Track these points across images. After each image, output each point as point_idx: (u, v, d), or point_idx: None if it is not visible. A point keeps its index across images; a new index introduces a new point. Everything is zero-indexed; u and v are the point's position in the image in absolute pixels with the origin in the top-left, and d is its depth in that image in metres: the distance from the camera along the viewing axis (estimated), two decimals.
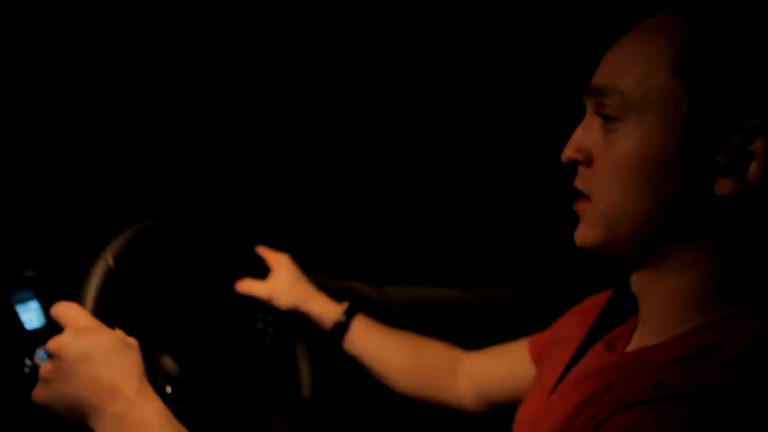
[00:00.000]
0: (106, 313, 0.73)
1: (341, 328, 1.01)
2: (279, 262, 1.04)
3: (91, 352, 0.65)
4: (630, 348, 0.65)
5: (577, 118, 0.64)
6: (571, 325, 0.83)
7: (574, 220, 0.64)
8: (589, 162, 0.61)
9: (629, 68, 0.58)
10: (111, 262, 0.75)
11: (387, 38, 1.06)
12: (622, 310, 0.72)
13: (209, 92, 1.10)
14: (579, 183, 0.63)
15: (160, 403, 0.65)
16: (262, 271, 1.03)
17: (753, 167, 0.55)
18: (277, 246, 1.06)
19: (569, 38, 1.00)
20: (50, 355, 0.66)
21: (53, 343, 0.66)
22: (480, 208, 1.16)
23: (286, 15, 1.02)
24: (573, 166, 0.63)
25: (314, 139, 1.18)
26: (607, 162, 0.59)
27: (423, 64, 1.09)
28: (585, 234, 0.62)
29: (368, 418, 1.16)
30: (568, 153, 0.63)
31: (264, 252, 1.05)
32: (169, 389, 0.78)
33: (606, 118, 0.60)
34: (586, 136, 0.62)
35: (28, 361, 0.88)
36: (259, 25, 1.03)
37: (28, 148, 1.01)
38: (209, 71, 1.08)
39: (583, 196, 0.63)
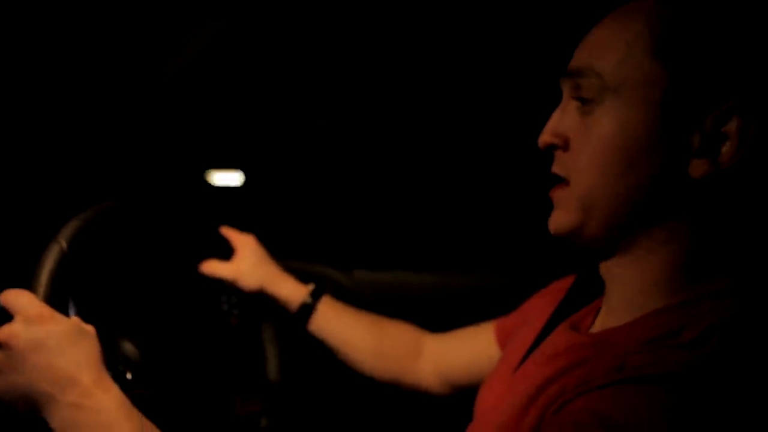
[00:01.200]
0: (61, 299, 0.71)
1: (307, 309, 1.00)
2: (244, 243, 1.02)
3: (43, 340, 0.63)
4: (594, 329, 0.66)
5: (553, 103, 0.63)
6: (537, 307, 0.83)
7: (547, 208, 0.64)
8: (566, 146, 0.61)
9: (607, 50, 0.58)
10: (65, 245, 0.72)
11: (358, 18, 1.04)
12: (587, 292, 0.73)
13: (177, 69, 1.07)
14: (557, 168, 0.62)
15: (118, 392, 0.64)
16: (227, 252, 1.01)
17: (726, 148, 0.56)
18: (244, 229, 1.04)
19: (545, 24, 0.99)
20: (0, 345, 0.64)
21: (2, 332, 0.63)
22: (452, 194, 1.16)
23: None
24: (549, 151, 0.63)
25: (286, 122, 1.16)
26: (584, 144, 0.59)
27: (401, 48, 1.07)
28: (560, 219, 0.62)
29: (335, 399, 1.16)
30: (545, 137, 0.62)
31: (229, 233, 1.03)
32: (129, 375, 0.76)
33: (583, 101, 0.59)
34: (562, 119, 0.61)
35: None
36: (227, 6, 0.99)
37: None
38: (177, 51, 1.04)
39: (560, 183, 0.62)
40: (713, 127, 0.55)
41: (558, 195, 0.62)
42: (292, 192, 1.21)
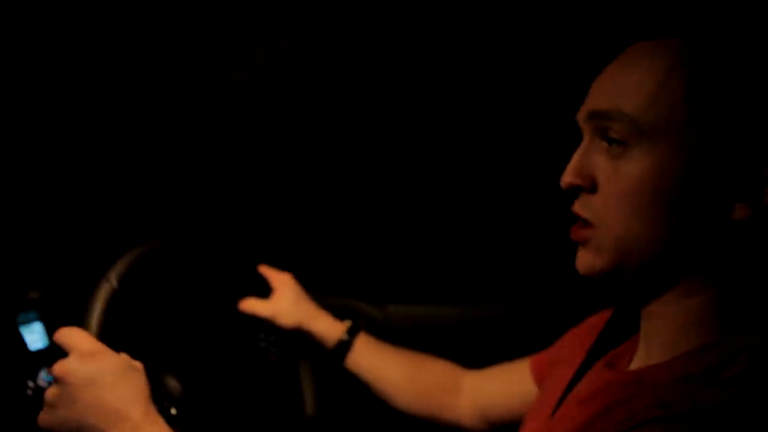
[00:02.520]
0: (111, 335, 0.73)
1: (344, 346, 1.02)
2: (282, 282, 1.04)
3: (96, 376, 0.65)
4: (632, 367, 0.65)
5: (574, 140, 0.63)
6: (572, 345, 0.83)
7: (573, 241, 0.63)
8: (592, 188, 0.60)
9: (636, 92, 0.57)
10: (115, 283, 0.76)
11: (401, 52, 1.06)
12: (623, 330, 0.72)
13: (218, 113, 1.10)
14: (580, 209, 0.61)
15: (165, 426, 0.66)
16: (265, 290, 1.03)
17: None
18: (281, 266, 1.06)
19: (552, 58, 1.01)
20: (55, 380, 0.66)
21: (58, 368, 0.66)
22: (480, 227, 1.17)
23: (303, 24, 1.01)
24: (573, 191, 0.62)
25: (319, 158, 1.19)
26: (616, 188, 0.58)
27: (439, 82, 1.09)
28: (592, 262, 0.61)
29: None
30: (569, 179, 0.61)
31: (267, 271, 1.05)
32: (174, 411, 0.79)
33: (611, 142, 0.59)
34: (588, 160, 0.61)
35: (30, 383, 0.88)
36: (275, 35, 1.02)
37: (33, 165, 1.01)
38: (223, 83, 1.07)
39: (580, 221, 0.61)
40: (753, 170, 0.55)
41: (585, 235, 0.61)
42: (326, 227, 1.23)
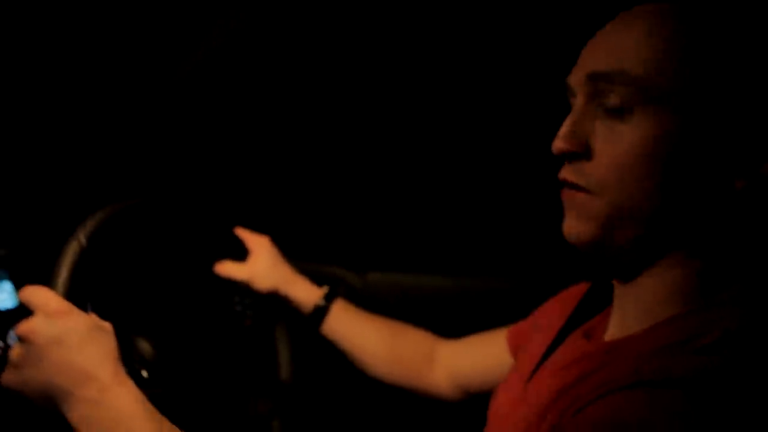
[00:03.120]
0: (79, 295, 0.72)
1: (320, 312, 1.01)
2: (259, 245, 1.03)
3: (63, 336, 0.64)
4: (608, 337, 0.65)
5: (560, 106, 0.61)
6: (550, 314, 0.83)
7: (558, 212, 0.62)
8: (587, 153, 0.57)
9: (641, 54, 0.55)
10: (84, 242, 0.74)
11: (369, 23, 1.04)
12: (601, 300, 0.72)
13: (192, 71, 1.08)
14: (572, 175, 0.59)
15: (135, 388, 0.65)
16: (241, 253, 1.02)
17: None
18: (259, 230, 1.05)
19: (544, 25, 0.99)
20: (20, 339, 0.65)
21: (23, 327, 0.64)
22: (466, 197, 1.16)
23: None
24: (564, 157, 0.59)
25: (299, 123, 1.17)
26: (614, 154, 0.56)
27: (407, 53, 1.07)
28: (580, 229, 0.59)
29: (346, 401, 1.16)
30: (562, 144, 0.58)
31: (244, 234, 1.03)
32: (145, 373, 0.77)
33: (612, 106, 0.56)
34: (582, 125, 0.58)
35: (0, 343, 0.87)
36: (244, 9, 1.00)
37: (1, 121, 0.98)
38: (192, 50, 1.05)
39: (571, 187, 0.59)
40: (758, 141, 0.54)
41: (575, 200, 0.59)
42: (305, 193, 1.22)
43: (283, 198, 1.22)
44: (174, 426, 0.64)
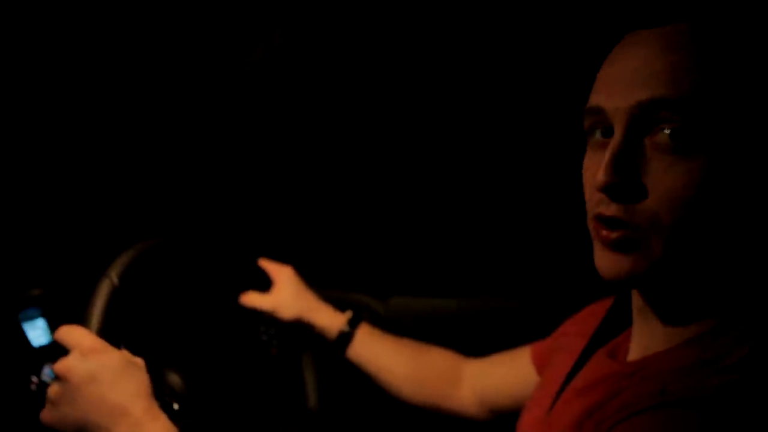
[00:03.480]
0: (111, 332, 0.74)
1: (345, 337, 1.02)
2: (282, 274, 1.05)
3: (97, 373, 0.66)
4: (632, 356, 0.65)
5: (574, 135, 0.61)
6: (573, 332, 0.83)
7: (579, 233, 0.60)
8: (639, 189, 0.53)
9: (694, 80, 0.51)
10: (116, 280, 0.76)
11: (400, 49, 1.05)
12: (624, 318, 0.72)
13: (215, 106, 1.10)
14: (621, 213, 0.54)
15: (167, 422, 0.66)
16: (265, 284, 1.03)
17: None
18: (281, 259, 1.07)
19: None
20: (57, 378, 0.67)
21: (60, 366, 0.67)
22: (482, 218, 1.16)
23: (298, 21, 1.00)
24: (610, 191, 0.54)
25: (319, 151, 1.18)
26: (670, 188, 0.52)
27: (440, 78, 1.08)
28: (632, 268, 0.55)
29: (374, 427, 1.16)
30: (612, 179, 0.53)
31: (267, 265, 1.05)
32: (176, 406, 0.79)
33: (665, 138, 0.52)
34: (628, 157, 0.53)
35: (34, 378, 0.89)
36: (273, 31, 1.01)
37: (34, 162, 1.01)
38: (219, 80, 1.07)
39: (615, 223, 0.55)
40: None
41: (624, 240, 0.55)
42: (327, 220, 1.23)
43: (303, 225, 1.24)
44: None
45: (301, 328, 1.03)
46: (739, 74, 0.52)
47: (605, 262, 0.56)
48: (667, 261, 0.54)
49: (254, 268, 1.03)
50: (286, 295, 1.03)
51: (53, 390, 0.67)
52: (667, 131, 0.52)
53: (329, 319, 1.03)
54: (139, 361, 0.70)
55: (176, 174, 1.13)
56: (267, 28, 1.02)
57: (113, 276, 0.76)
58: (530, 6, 0.96)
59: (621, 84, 0.54)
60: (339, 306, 1.05)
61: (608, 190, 0.54)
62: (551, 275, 1.10)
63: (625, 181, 0.53)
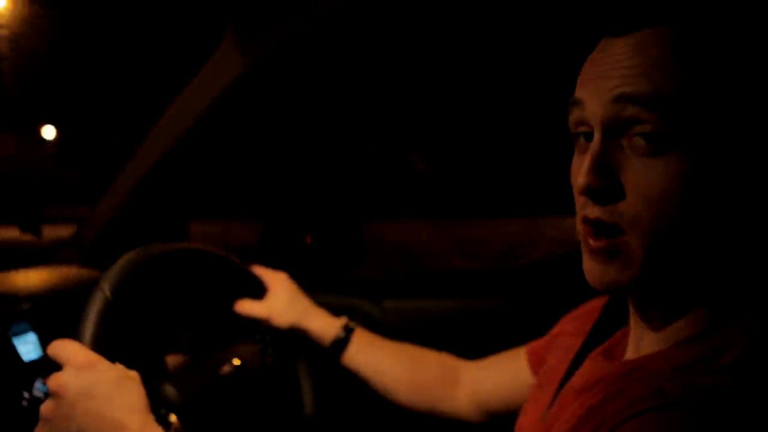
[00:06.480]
0: (105, 345, 0.73)
1: (341, 343, 1.01)
2: (276, 281, 1.04)
3: (92, 388, 0.65)
4: (628, 356, 0.65)
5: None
6: (568, 331, 0.83)
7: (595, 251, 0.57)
8: (618, 190, 0.54)
9: (672, 77, 0.51)
10: (108, 293, 0.75)
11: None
12: (619, 317, 0.72)
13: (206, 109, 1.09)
14: (605, 214, 0.54)
15: None
16: (259, 290, 1.03)
17: None
18: (275, 265, 1.06)
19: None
20: (51, 394, 0.66)
21: (54, 381, 0.66)
22: (473, 216, 1.16)
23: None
24: (592, 194, 0.55)
25: (309, 154, 1.18)
26: (649, 189, 0.52)
27: (435, 85, 1.08)
28: (619, 276, 0.55)
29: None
30: (591, 181, 0.53)
31: (261, 271, 1.05)
32: (173, 418, 0.78)
33: (642, 137, 0.52)
34: (608, 159, 0.54)
35: (26, 394, 0.88)
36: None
37: (16, 168, 1.00)
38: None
39: (601, 230, 0.55)
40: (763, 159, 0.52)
41: (613, 246, 0.55)
42: (320, 225, 1.23)
43: (294, 232, 1.23)
44: None
45: (296, 335, 1.03)
46: (716, 74, 0.52)
47: (590, 270, 0.57)
48: (650, 264, 0.54)
49: (248, 275, 1.02)
50: (280, 301, 1.02)
51: (47, 407, 0.66)
52: (642, 133, 0.52)
53: (324, 325, 1.03)
54: (134, 375, 0.69)
55: (169, 184, 1.12)
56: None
57: (106, 288, 0.75)
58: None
59: (601, 78, 0.54)
60: (332, 311, 1.05)
61: (589, 193, 0.54)
62: (546, 275, 1.11)
63: (604, 184, 0.53)
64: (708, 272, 0.57)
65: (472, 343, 1.04)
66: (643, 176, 0.53)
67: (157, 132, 1.06)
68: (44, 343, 0.92)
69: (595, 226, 0.55)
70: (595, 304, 0.82)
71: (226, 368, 0.90)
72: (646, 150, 0.52)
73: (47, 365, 0.69)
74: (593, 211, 0.55)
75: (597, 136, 0.55)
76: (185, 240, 1.13)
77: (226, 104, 1.01)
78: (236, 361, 0.91)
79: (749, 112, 0.53)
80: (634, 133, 0.53)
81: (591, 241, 0.56)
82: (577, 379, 0.69)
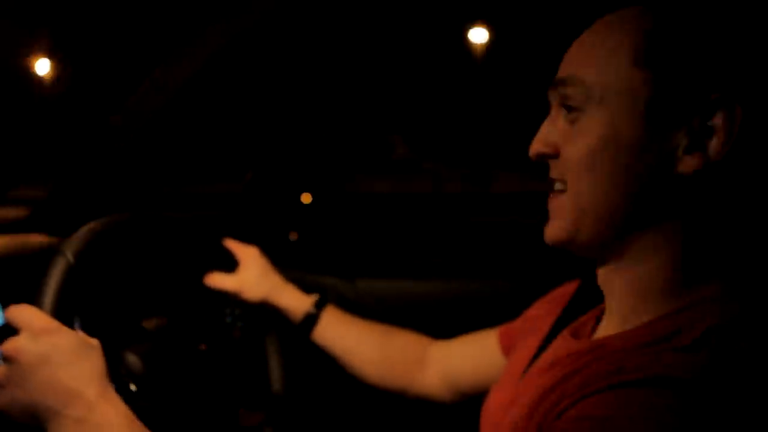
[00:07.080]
0: (66, 311, 0.71)
1: (311, 319, 1.01)
2: (247, 255, 1.02)
3: (48, 354, 0.63)
4: (595, 336, 0.66)
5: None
6: (540, 315, 0.83)
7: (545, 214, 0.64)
8: (557, 154, 0.62)
9: (591, 59, 0.60)
10: (71, 258, 0.73)
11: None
12: (590, 299, 0.73)
13: (187, 80, 1.07)
14: (554, 173, 0.63)
15: (122, 405, 0.64)
16: (230, 264, 1.01)
17: (714, 142, 0.56)
18: (248, 240, 1.04)
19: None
20: (6, 359, 0.64)
21: (8, 346, 0.64)
22: (453, 202, 1.16)
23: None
24: (541, 161, 0.64)
25: (287, 134, 1.16)
26: (572, 151, 0.61)
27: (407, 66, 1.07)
28: (554, 229, 0.63)
29: (339, 410, 1.15)
30: (536, 147, 0.63)
31: (232, 245, 1.03)
32: (133, 387, 0.76)
33: (569, 109, 0.61)
34: (552, 129, 0.63)
35: None
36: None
37: None
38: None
39: (556, 191, 0.63)
40: (700, 123, 0.56)
41: (554, 204, 0.63)
42: (295, 201, 1.22)
43: (271, 206, 1.22)
44: None
45: (266, 310, 1.01)
46: (631, 56, 0.58)
47: (545, 228, 0.64)
48: (579, 220, 0.61)
49: (219, 247, 1.00)
50: (251, 276, 1.01)
51: (1, 372, 0.64)
52: (565, 106, 0.61)
53: (295, 301, 1.02)
54: (95, 342, 0.67)
55: (139, 151, 1.10)
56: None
57: (68, 253, 0.73)
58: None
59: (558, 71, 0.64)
60: (305, 288, 1.04)
61: (535, 158, 0.64)
62: (520, 257, 1.11)
63: (544, 149, 0.63)
64: (657, 249, 0.59)
65: (445, 323, 1.04)
66: (568, 140, 0.61)
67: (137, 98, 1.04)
68: (3, 308, 0.90)
69: (551, 189, 0.64)
70: (568, 289, 0.83)
71: (193, 341, 0.88)
72: (570, 117, 0.61)
73: (5, 332, 0.66)
74: (550, 172, 0.64)
75: (551, 110, 0.64)
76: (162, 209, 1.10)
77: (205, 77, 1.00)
78: (203, 347, 0.89)
79: (659, 83, 0.57)
80: (563, 106, 0.62)
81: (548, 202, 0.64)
82: (545, 356, 0.69)
